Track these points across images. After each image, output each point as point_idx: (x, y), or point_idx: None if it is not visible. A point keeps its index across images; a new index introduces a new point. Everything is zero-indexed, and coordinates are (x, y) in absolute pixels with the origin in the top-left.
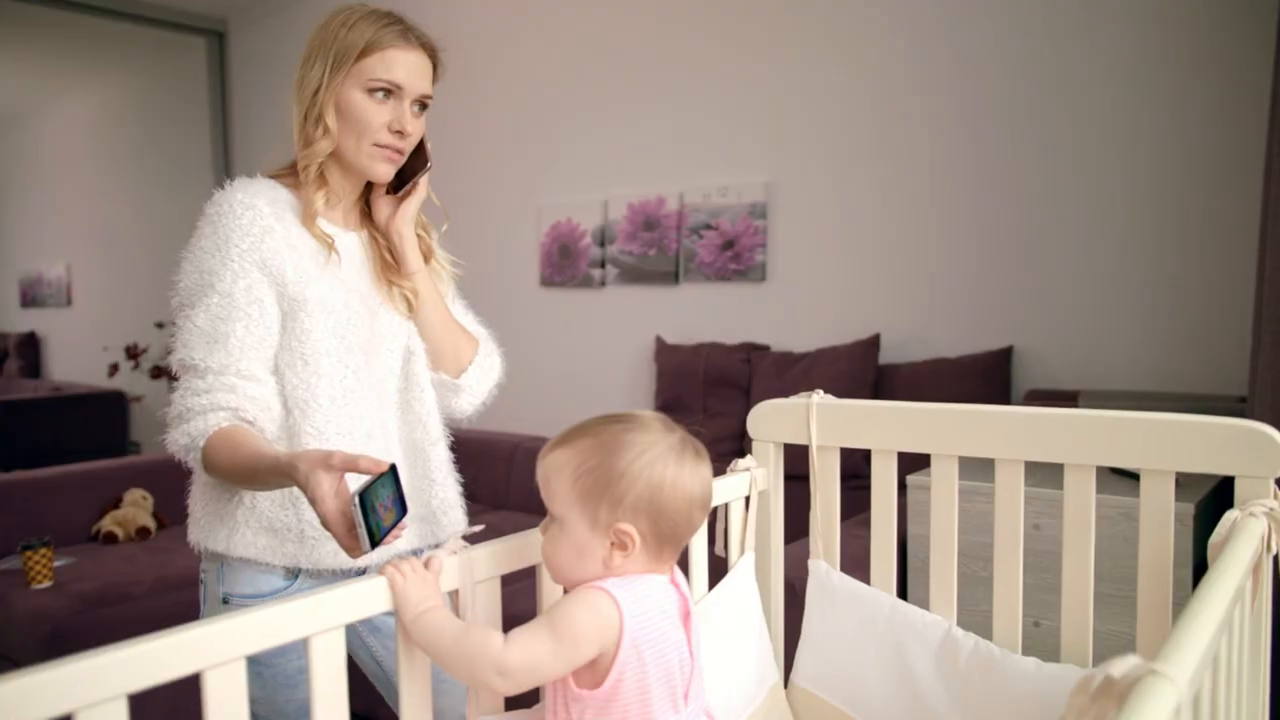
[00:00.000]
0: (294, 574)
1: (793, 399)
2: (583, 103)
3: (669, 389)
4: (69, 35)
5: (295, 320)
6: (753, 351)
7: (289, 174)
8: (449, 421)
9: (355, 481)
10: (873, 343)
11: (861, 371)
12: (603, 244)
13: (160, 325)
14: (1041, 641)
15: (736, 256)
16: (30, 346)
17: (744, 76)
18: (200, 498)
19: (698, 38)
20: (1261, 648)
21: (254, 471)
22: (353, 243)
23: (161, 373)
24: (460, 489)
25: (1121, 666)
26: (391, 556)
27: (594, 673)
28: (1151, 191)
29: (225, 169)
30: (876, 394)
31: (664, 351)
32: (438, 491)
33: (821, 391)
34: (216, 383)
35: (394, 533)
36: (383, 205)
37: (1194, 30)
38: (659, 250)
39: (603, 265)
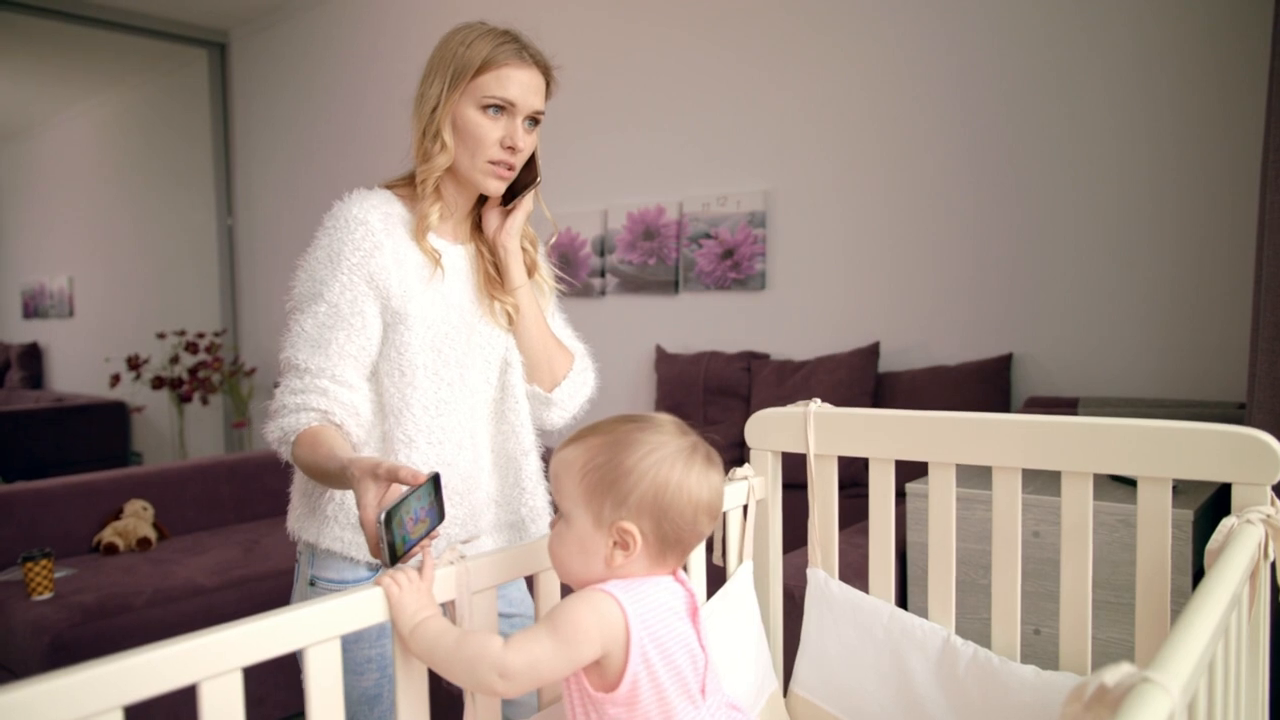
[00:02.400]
0: (376, 568)
1: (790, 408)
2: (583, 112)
3: (669, 398)
4: (71, 48)
5: (395, 332)
6: (752, 360)
7: (404, 185)
8: (540, 433)
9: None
10: (872, 351)
11: (861, 379)
12: (602, 253)
13: (161, 336)
14: (1043, 649)
15: (736, 265)
16: (32, 357)
17: (742, 85)
18: (298, 490)
19: (696, 47)
20: (1260, 654)
21: (325, 472)
22: (459, 256)
23: (162, 383)
24: (550, 497)
25: (1115, 674)
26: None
27: (603, 675)
28: (1149, 200)
29: (226, 180)
30: (876, 402)
31: (664, 360)
32: (527, 500)
33: (819, 400)
34: (312, 384)
35: (423, 543)
36: (493, 218)
37: (1190, 41)
38: (658, 259)
39: (602, 274)
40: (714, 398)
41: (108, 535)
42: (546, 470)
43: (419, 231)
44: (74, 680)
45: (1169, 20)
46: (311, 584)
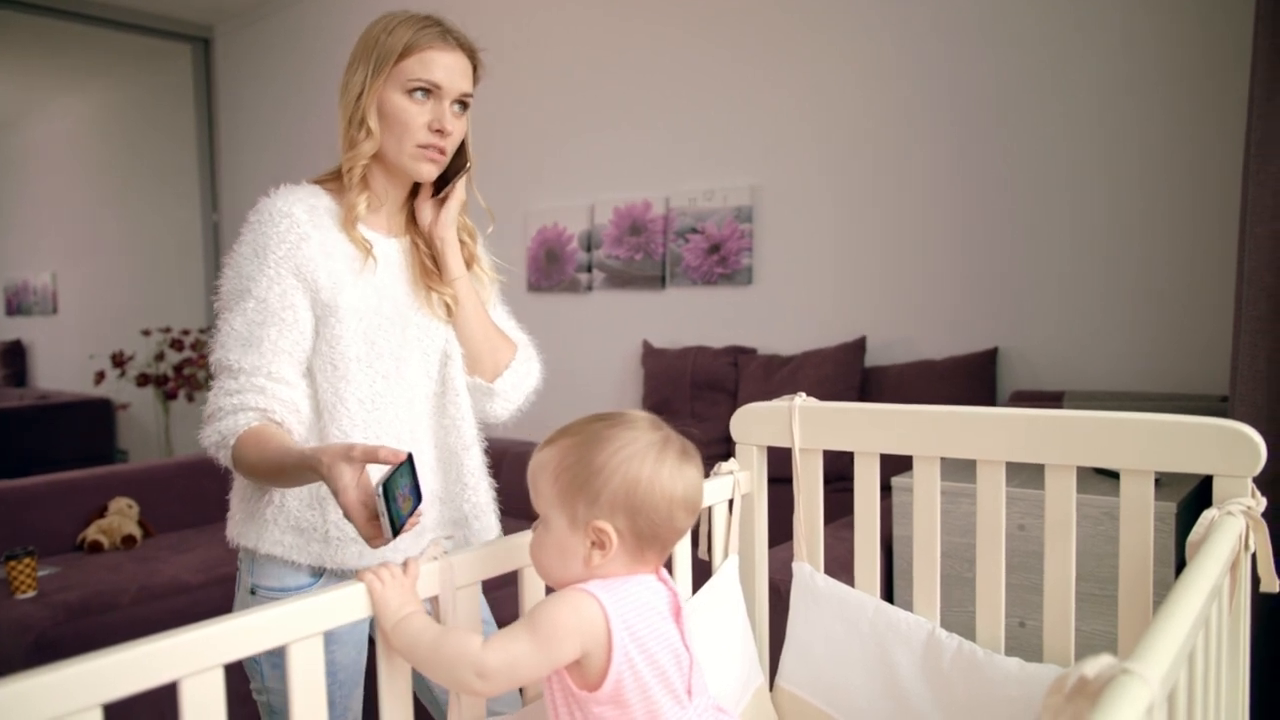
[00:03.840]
0: (318, 573)
1: (775, 402)
2: (569, 108)
3: (656, 393)
4: (55, 43)
5: (327, 326)
6: (739, 355)
7: (333, 179)
8: (484, 427)
9: (376, 472)
10: (859, 345)
11: (848, 374)
12: (589, 248)
13: (146, 333)
14: (1027, 642)
15: (723, 260)
16: (16, 355)
17: (729, 80)
18: (237, 495)
19: (683, 42)
20: (1240, 645)
21: (281, 467)
22: (393, 249)
23: (148, 380)
24: (494, 494)
25: (1095, 666)
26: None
27: (585, 675)
28: (1135, 195)
29: (211, 176)
30: (863, 396)
31: (651, 355)
32: (470, 496)
33: (804, 394)
34: (248, 384)
35: (411, 520)
36: (426, 210)
37: (1178, 41)
38: (645, 254)
39: (589, 270)
40: (701, 392)
41: (92, 533)
42: (489, 465)
43: (348, 222)
44: (52, 678)
45: (1158, 19)
46: (253, 592)
